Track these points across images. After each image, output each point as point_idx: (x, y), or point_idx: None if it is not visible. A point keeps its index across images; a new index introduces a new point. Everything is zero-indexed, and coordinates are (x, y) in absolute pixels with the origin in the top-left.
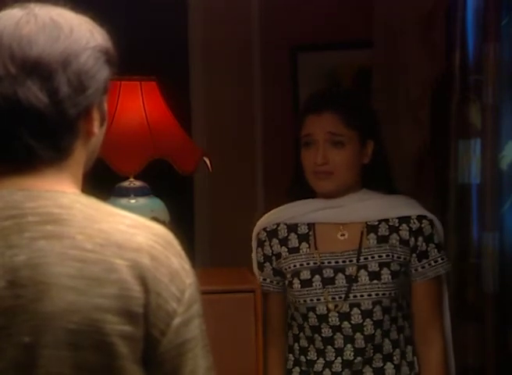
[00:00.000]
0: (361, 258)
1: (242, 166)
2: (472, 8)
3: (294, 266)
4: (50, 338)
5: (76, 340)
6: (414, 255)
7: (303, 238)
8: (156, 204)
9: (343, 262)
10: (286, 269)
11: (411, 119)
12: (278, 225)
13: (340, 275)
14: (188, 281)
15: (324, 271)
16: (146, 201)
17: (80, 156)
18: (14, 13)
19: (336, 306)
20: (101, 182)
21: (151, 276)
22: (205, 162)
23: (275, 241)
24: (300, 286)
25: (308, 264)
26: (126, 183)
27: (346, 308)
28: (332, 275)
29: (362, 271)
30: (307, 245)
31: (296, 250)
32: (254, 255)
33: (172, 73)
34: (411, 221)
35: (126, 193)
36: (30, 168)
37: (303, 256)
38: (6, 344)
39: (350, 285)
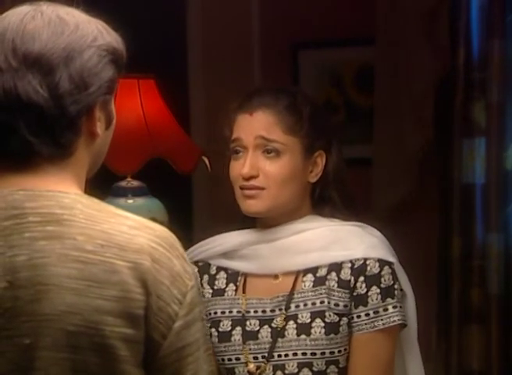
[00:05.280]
0: (292, 306)
1: None
2: (476, 4)
3: (215, 312)
4: (49, 340)
5: (75, 342)
6: (352, 298)
7: (231, 278)
8: (154, 204)
9: (272, 311)
10: (206, 315)
11: (414, 117)
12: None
13: (266, 328)
14: (190, 284)
15: (248, 322)
16: (144, 201)
17: (83, 156)
18: (22, 10)
19: (257, 368)
20: (98, 181)
21: (151, 278)
22: (204, 161)
23: (206, 277)
24: (217, 339)
25: (231, 312)
26: (123, 183)
27: (269, 371)
28: (256, 328)
29: (291, 323)
30: (234, 288)
31: (221, 292)
32: None
33: (171, 71)
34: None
35: (124, 193)
36: (31, 166)
37: (226, 301)
38: (6, 346)
39: (275, 341)
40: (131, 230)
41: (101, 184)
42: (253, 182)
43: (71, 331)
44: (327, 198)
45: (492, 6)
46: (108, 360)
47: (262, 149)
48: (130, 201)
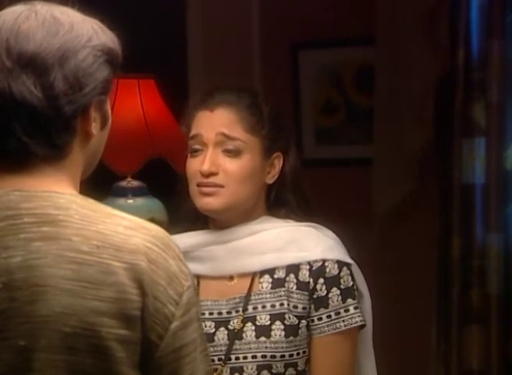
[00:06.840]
0: (249, 307)
1: None
2: (476, 4)
3: None
4: (45, 342)
5: (71, 343)
6: (312, 300)
7: None
8: (154, 204)
9: (228, 313)
10: None
11: (414, 117)
12: None
13: (222, 330)
14: (186, 284)
15: (203, 325)
16: (144, 201)
17: (78, 157)
18: (16, 9)
19: (214, 371)
20: (98, 182)
21: (148, 278)
22: None
23: None
24: None
25: None
26: (123, 183)
27: (226, 373)
28: (212, 330)
29: (249, 325)
30: None
31: None
32: None
33: (171, 71)
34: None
35: (124, 193)
36: (27, 166)
37: None
38: (1, 348)
39: (232, 343)
40: (127, 230)
41: (101, 184)
42: (212, 179)
43: (67, 333)
44: (283, 201)
45: (492, 6)
46: (105, 361)
47: (222, 148)
48: (130, 201)
